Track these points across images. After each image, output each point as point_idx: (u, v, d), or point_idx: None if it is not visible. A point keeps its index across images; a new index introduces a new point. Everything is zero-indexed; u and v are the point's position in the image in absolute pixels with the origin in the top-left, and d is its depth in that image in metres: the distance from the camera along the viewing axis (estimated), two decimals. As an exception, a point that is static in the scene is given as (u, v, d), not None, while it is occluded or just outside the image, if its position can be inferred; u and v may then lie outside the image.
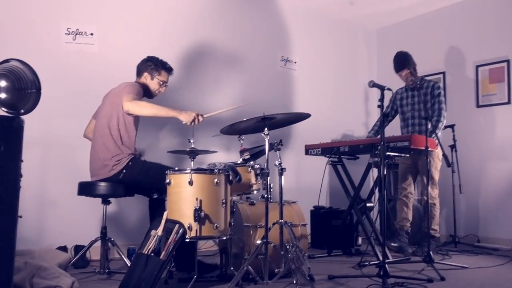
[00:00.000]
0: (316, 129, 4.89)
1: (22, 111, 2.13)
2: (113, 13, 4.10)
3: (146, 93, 3.32)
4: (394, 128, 4.44)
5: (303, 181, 4.95)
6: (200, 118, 3.06)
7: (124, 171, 3.07)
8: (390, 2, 5.33)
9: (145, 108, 3.03)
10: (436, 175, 4.16)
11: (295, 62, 5.31)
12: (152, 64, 3.32)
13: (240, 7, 4.91)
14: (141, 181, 3.12)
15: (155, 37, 4.28)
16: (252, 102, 4.82)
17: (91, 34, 3.96)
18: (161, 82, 3.34)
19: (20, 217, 2.10)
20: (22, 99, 2.11)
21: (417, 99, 4.29)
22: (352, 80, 5.79)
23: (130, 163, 3.09)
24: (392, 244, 4.08)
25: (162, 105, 3.10)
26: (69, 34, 3.88)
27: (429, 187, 4.02)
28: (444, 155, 3.63)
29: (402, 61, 4.26)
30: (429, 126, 3.95)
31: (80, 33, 3.92)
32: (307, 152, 4.29)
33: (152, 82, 3.33)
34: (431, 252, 3.28)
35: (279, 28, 5.21)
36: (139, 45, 4.14)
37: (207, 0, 4.68)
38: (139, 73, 3.36)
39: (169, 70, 3.38)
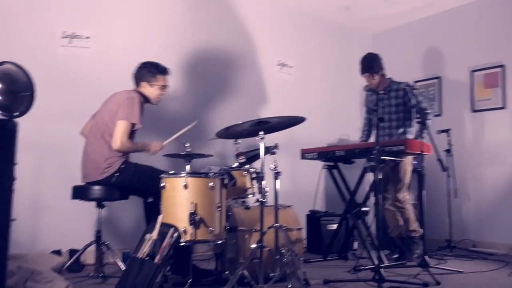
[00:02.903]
0: (312, 133, 4.89)
1: (16, 113, 2.12)
2: (109, 16, 4.10)
3: (147, 101, 3.31)
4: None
5: (299, 185, 4.94)
6: (163, 144, 3.29)
7: (116, 174, 3.07)
8: (386, 8, 5.35)
9: (128, 150, 3.16)
10: (408, 180, 4.05)
11: (291, 67, 5.32)
12: (147, 71, 3.26)
13: (236, 11, 4.92)
14: (134, 184, 3.12)
15: (151, 41, 4.28)
16: (249, 105, 4.85)
17: (87, 37, 3.95)
18: (161, 87, 3.31)
19: (14, 220, 2.09)
20: (16, 101, 2.10)
21: (387, 102, 4.06)
22: (348, 85, 5.80)
23: (122, 166, 3.09)
24: (393, 257, 3.98)
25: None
26: (65, 37, 3.87)
27: (401, 193, 3.97)
28: (439, 159, 3.60)
29: (371, 64, 4.00)
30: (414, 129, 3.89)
31: (76, 37, 3.91)
32: (303, 157, 4.29)
33: (152, 89, 3.28)
34: (426, 257, 3.27)
35: (275, 33, 5.22)
36: (135, 48, 4.15)
37: (204, 4, 4.69)
38: (137, 82, 3.30)
39: (163, 72, 3.32)
